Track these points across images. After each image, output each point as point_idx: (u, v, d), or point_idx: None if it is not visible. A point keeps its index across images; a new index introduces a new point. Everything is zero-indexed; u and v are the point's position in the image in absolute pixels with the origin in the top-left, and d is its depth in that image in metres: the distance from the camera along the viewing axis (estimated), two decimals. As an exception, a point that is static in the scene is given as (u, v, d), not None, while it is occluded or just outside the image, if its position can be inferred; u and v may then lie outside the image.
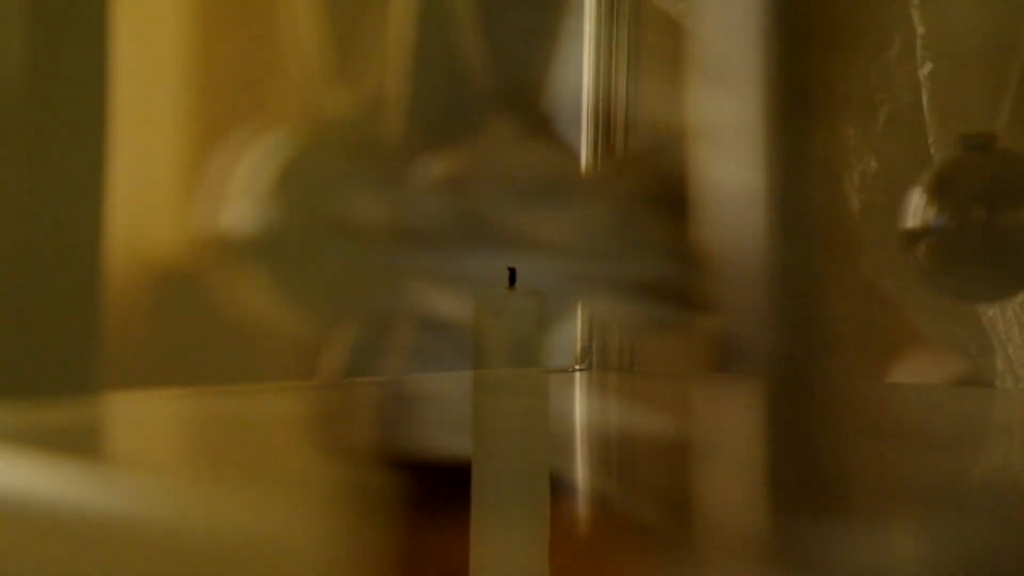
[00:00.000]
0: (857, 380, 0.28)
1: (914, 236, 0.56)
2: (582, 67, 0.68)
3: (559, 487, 0.32)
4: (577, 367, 0.68)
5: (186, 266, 1.02)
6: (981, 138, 0.58)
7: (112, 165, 0.96)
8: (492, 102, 0.49)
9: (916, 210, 0.56)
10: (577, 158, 0.63)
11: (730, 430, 0.29)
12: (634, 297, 0.50)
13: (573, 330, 0.68)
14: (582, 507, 0.34)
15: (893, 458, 0.39)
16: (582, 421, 0.54)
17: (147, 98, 1.02)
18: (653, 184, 0.50)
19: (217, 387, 0.61)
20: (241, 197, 0.41)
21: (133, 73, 1.00)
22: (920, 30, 0.63)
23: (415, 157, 0.42)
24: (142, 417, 0.53)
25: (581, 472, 0.39)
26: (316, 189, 0.41)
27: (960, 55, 0.62)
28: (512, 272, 0.28)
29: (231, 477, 0.40)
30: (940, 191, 0.57)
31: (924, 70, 0.63)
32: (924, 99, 0.63)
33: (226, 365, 0.99)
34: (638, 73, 0.67)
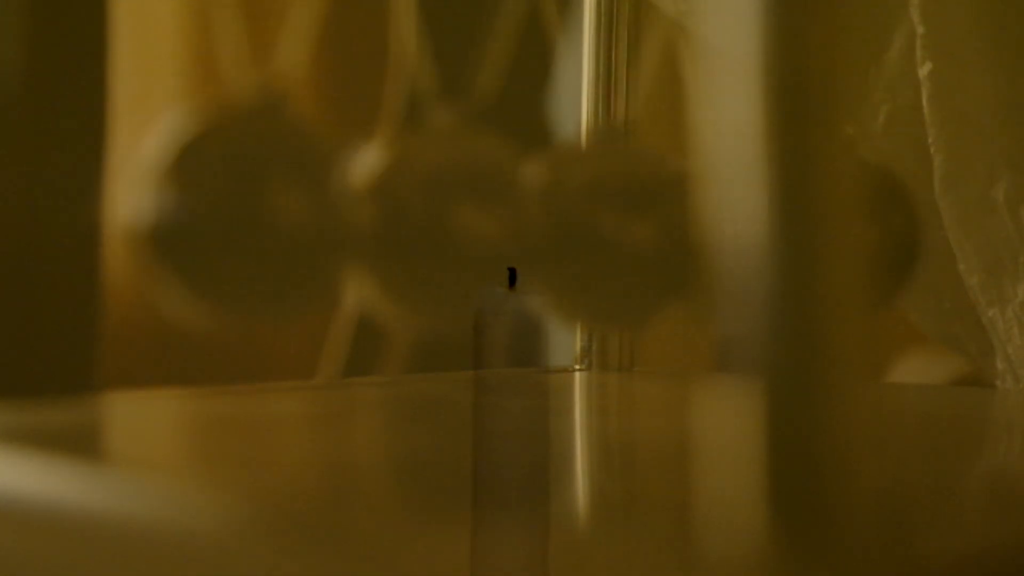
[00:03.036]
0: (857, 380, 0.28)
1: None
2: (581, 67, 0.68)
3: (558, 487, 0.32)
4: (577, 367, 0.68)
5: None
6: None
7: (112, 164, 0.96)
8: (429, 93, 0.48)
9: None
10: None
11: (728, 430, 0.29)
12: (633, 295, 0.50)
13: (572, 330, 0.68)
14: (582, 507, 0.34)
15: (892, 459, 0.39)
16: (581, 421, 0.54)
17: (146, 96, 1.02)
18: (650, 184, 0.50)
19: (219, 387, 0.61)
20: (145, 184, 0.40)
21: (133, 72, 1.00)
22: (920, 30, 0.63)
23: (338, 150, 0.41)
24: (142, 417, 0.53)
25: (581, 472, 0.39)
26: (226, 179, 0.40)
27: (960, 55, 0.62)
28: (512, 272, 0.27)
29: (232, 477, 0.40)
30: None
31: (924, 70, 0.63)
32: (924, 99, 0.63)
33: (229, 364, 0.99)
34: (638, 72, 0.67)
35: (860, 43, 0.61)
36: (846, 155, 0.29)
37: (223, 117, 0.41)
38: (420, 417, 0.55)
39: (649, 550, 0.29)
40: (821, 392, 0.28)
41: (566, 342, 0.68)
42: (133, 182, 0.40)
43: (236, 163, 0.40)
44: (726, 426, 0.29)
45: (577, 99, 0.68)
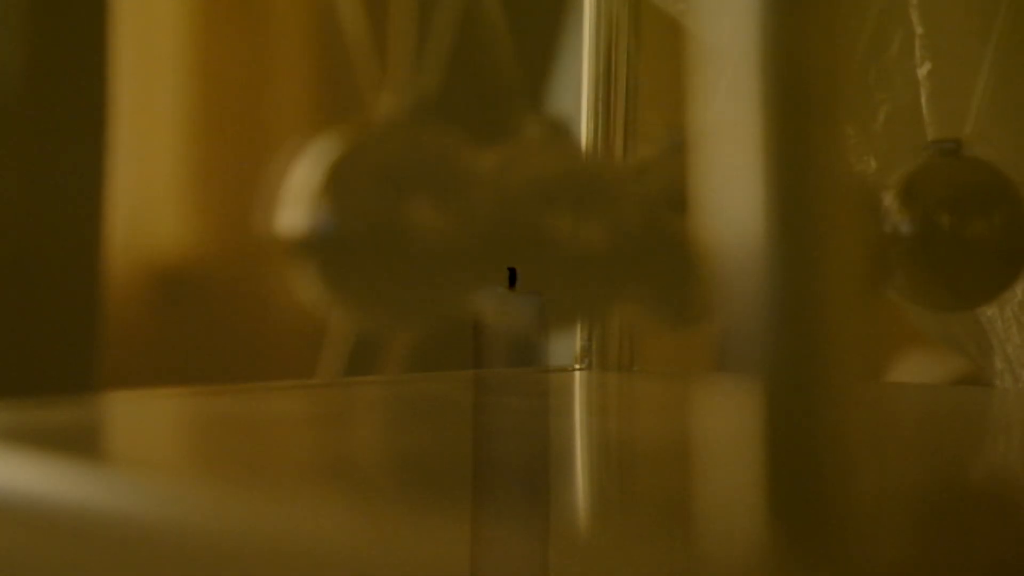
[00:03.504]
0: (856, 380, 0.28)
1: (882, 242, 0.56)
2: (581, 66, 0.68)
3: (558, 487, 0.32)
4: (577, 366, 0.68)
5: (197, 265, 1.02)
6: (949, 143, 0.58)
7: (112, 164, 0.96)
8: (521, 101, 0.49)
9: (884, 216, 0.56)
10: (591, 159, 0.63)
11: (727, 429, 0.29)
12: (634, 296, 0.50)
13: (572, 329, 0.68)
14: (582, 507, 0.34)
15: (890, 458, 0.39)
16: (581, 420, 0.54)
17: (147, 98, 1.02)
18: (653, 184, 0.50)
19: (219, 386, 0.61)
20: (297, 201, 0.42)
21: (133, 73, 1.00)
22: (919, 30, 0.63)
23: (460, 159, 0.43)
24: (142, 416, 0.53)
25: (580, 471, 0.40)
26: (369, 194, 0.42)
27: (959, 55, 0.62)
28: (512, 272, 0.28)
29: (234, 476, 0.40)
30: (908, 197, 0.56)
31: (923, 70, 0.63)
32: (923, 99, 0.63)
33: (229, 363, 0.99)
34: (637, 72, 0.67)
35: (860, 42, 0.61)
36: (845, 155, 0.29)
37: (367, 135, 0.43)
38: (419, 416, 0.55)
39: (649, 550, 0.29)
40: (819, 391, 0.28)
41: (566, 342, 0.68)
42: (292, 198, 0.42)
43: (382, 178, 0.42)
44: (725, 425, 0.29)
45: (577, 98, 0.68)
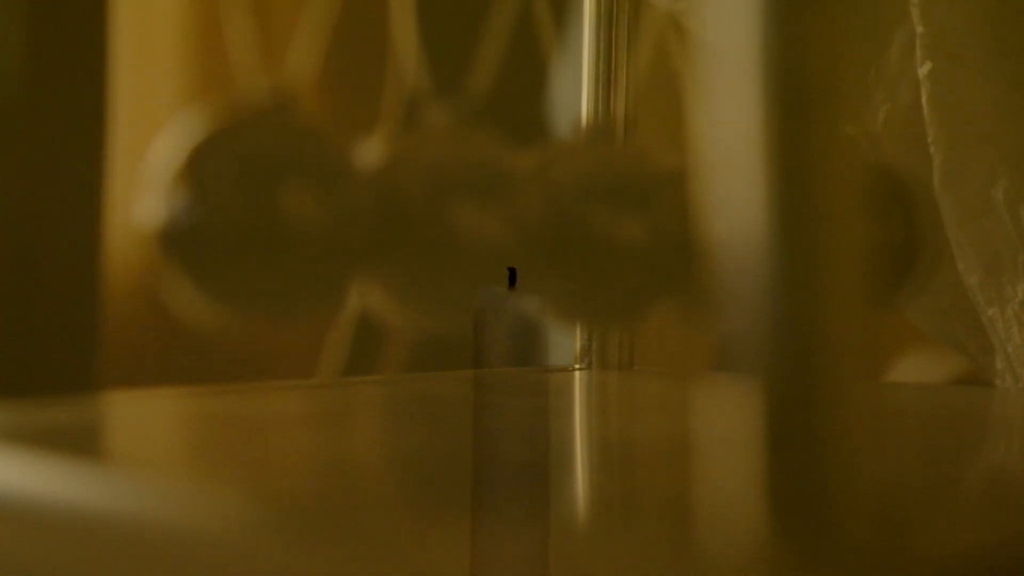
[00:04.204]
0: (856, 379, 0.28)
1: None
2: (581, 65, 0.68)
3: (558, 486, 0.32)
4: (577, 366, 0.68)
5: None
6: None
7: (112, 163, 0.96)
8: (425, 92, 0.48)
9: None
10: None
11: (727, 429, 0.29)
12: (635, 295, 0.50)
13: (572, 329, 0.68)
14: (582, 506, 0.34)
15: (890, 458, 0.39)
16: (581, 419, 0.54)
17: (146, 97, 1.02)
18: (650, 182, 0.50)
19: (219, 386, 0.61)
20: (159, 187, 0.40)
21: (133, 73, 1.00)
22: (919, 29, 0.63)
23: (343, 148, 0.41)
24: (143, 416, 0.53)
25: (580, 471, 0.39)
26: (241, 180, 0.40)
27: (960, 54, 0.62)
28: (512, 272, 0.28)
29: (233, 475, 0.40)
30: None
31: (923, 69, 0.63)
32: (924, 98, 0.63)
33: (229, 363, 0.99)
34: (636, 71, 0.67)
35: (860, 42, 0.61)
36: (845, 154, 0.29)
37: (235, 119, 0.41)
38: (420, 415, 0.55)
39: (649, 550, 0.29)
40: (819, 391, 0.28)
41: (566, 341, 0.68)
42: (145, 184, 0.40)
43: (248, 165, 0.40)
44: (725, 425, 0.29)
45: (577, 97, 0.68)
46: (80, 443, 0.45)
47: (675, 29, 0.66)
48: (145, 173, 0.40)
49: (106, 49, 0.97)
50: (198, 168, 0.39)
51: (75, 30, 0.96)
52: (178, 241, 0.39)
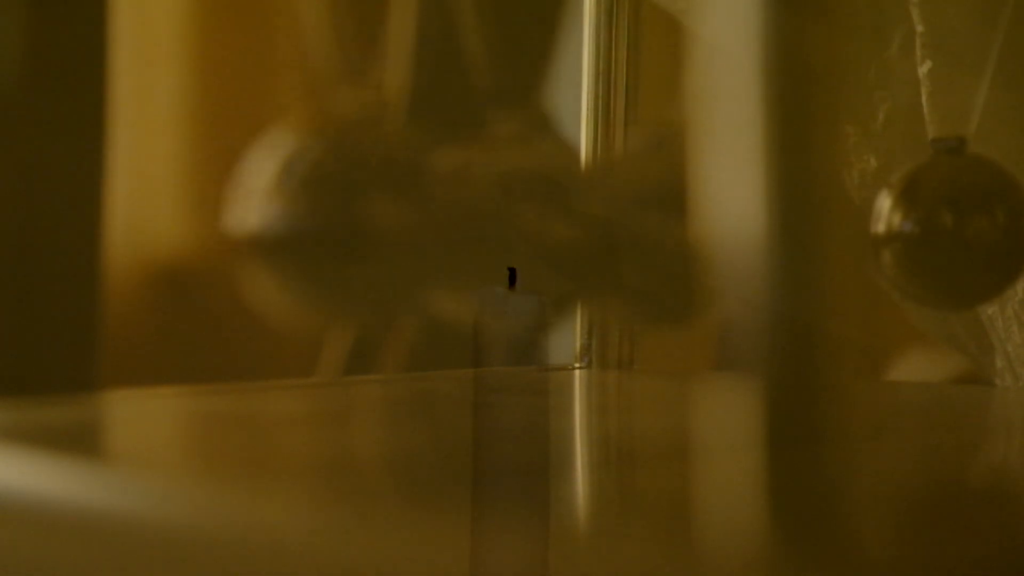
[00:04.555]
0: (856, 379, 0.28)
1: (880, 241, 0.56)
2: (581, 64, 0.68)
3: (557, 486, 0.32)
4: (577, 365, 0.68)
5: (196, 264, 1.02)
6: (951, 141, 0.58)
7: (111, 163, 0.96)
8: (495, 99, 0.49)
9: (883, 214, 0.56)
10: (578, 156, 0.63)
11: (727, 428, 0.29)
12: (634, 295, 0.50)
13: (572, 328, 0.68)
14: (582, 506, 0.34)
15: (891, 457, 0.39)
16: (580, 419, 0.54)
17: (146, 96, 1.02)
18: (652, 182, 0.50)
19: (219, 385, 0.61)
20: (261, 198, 0.41)
21: (132, 72, 1.00)
22: (919, 28, 0.63)
23: (421, 155, 0.42)
24: (143, 415, 0.53)
25: (581, 470, 0.40)
26: (333, 189, 0.41)
27: (960, 53, 0.62)
28: (512, 272, 0.28)
29: (234, 475, 0.40)
30: (908, 195, 0.56)
31: (923, 68, 0.63)
32: (924, 97, 0.63)
33: (229, 362, 0.99)
34: (638, 71, 0.67)
35: (859, 41, 0.61)
36: (845, 155, 0.29)
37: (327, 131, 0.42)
38: (419, 415, 0.55)
39: (649, 549, 0.29)
40: (818, 390, 0.28)
41: (566, 340, 0.68)
42: (244, 195, 0.41)
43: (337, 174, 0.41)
44: (724, 424, 0.29)
45: (577, 97, 0.68)
46: (80, 442, 0.45)
47: (676, 28, 0.66)
48: (237, 184, 0.41)
49: (106, 48, 0.97)
50: (292, 178, 0.41)
51: (74, 29, 0.96)
52: (270, 246, 0.41)
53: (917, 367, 0.76)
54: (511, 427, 0.29)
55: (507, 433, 0.29)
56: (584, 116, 0.68)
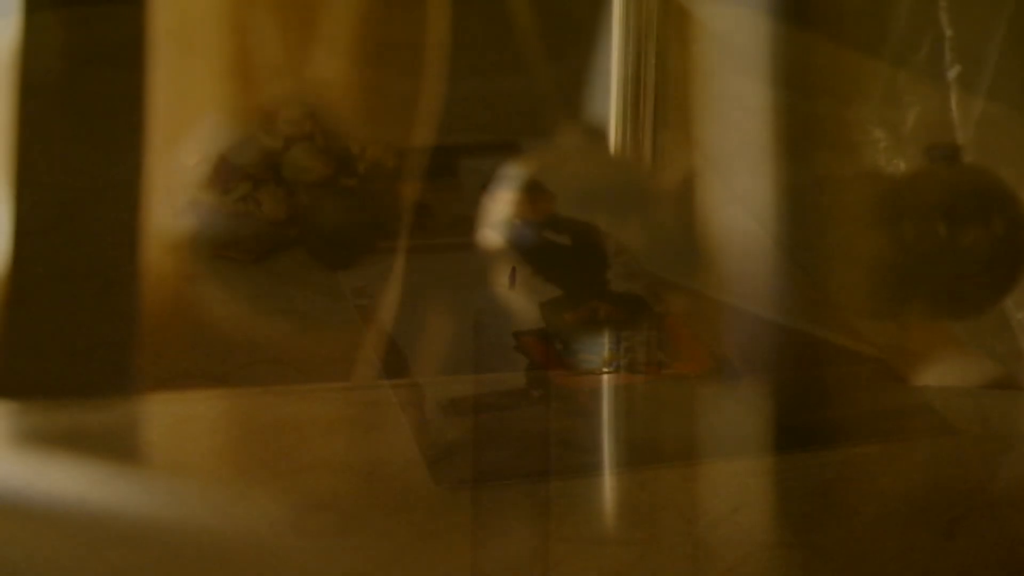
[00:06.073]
0: (875, 383, 0.28)
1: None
2: (610, 65, 0.68)
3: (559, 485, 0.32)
4: (605, 369, 0.68)
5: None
6: (945, 149, 0.58)
7: (149, 166, 0.96)
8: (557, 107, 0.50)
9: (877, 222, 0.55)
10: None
11: (738, 432, 0.29)
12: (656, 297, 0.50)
13: (600, 332, 0.68)
14: (582, 505, 0.35)
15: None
16: (594, 423, 0.54)
17: (183, 100, 1.03)
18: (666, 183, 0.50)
19: (256, 388, 0.62)
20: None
21: (171, 76, 1.01)
22: (948, 32, 0.63)
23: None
24: (181, 418, 0.54)
25: (584, 471, 0.40)
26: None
27: (988, 58, 0.62)
28: (513, 272, 0.28)
29: (270, 477, 0.40)
30: (901, 203, 0.56)
31: (952, 72, 0.63)
32: (952, 101, 0.63)
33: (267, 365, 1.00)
34: (666, 75, 0.67)
35: (886, 46, 0.61)
36: (859, 158, 0.29)
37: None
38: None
39: (650, 549, 0.29)
40: (832, 395, 0.28)
41: (596, 346, 0.68)
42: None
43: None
44: (733, 426, 0.29)
45: (606, 101, 0.68)
46: (120, 445, 0.45)
47: (701, 30, 0.67)
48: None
49: (144, 46, 0.98)
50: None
51: (113, 22, 0.97)
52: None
53: (946, 372, 0.76)
54: (513, 429, 0.30)
55: (508, 435, 0.29)
56: (613, 121, 0.68)
